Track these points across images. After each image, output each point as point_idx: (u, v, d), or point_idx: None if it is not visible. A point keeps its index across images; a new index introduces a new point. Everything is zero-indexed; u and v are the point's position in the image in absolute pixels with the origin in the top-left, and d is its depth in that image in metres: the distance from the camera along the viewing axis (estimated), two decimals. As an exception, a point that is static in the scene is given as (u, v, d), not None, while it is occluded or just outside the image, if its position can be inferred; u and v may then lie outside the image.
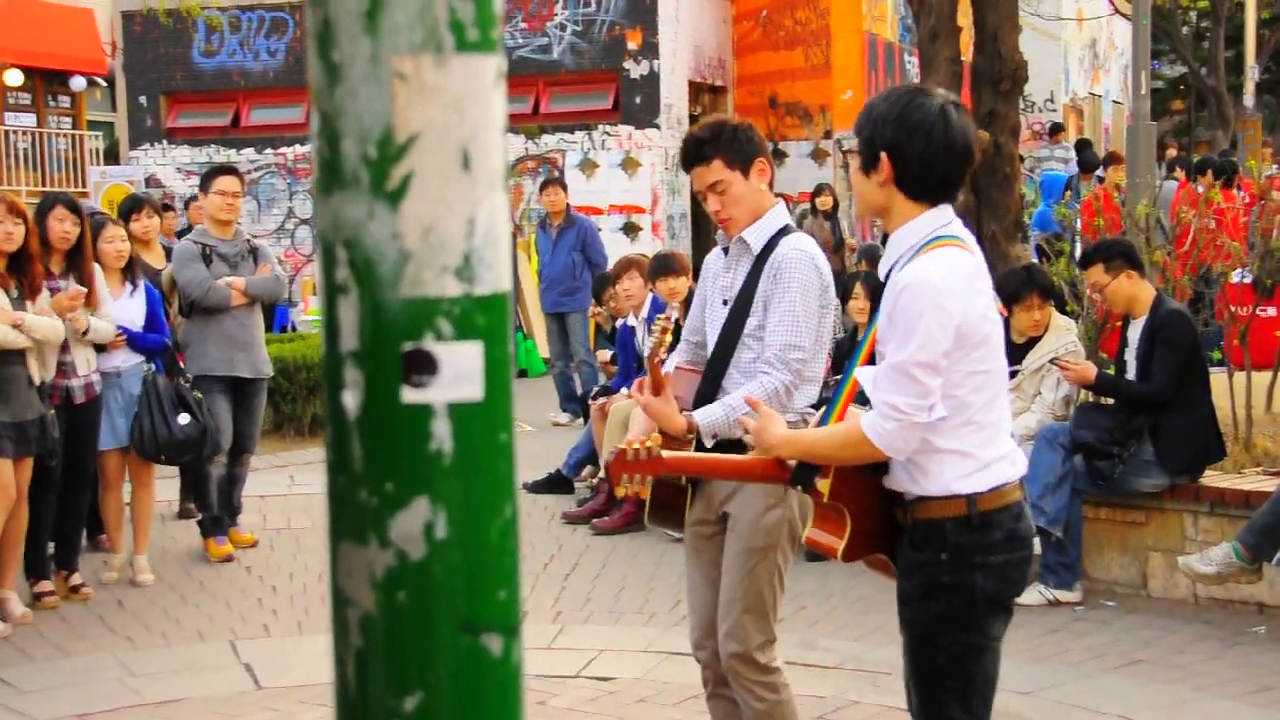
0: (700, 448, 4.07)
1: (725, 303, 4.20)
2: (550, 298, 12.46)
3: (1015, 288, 7.26)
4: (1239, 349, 7.92)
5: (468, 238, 1.17)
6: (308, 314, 16.13)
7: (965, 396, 3.16)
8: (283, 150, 19.35)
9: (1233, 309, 8.05)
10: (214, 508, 8.14)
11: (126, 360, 7.57)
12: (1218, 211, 8.29)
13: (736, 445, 4.07)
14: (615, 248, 15.42)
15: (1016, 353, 7.09)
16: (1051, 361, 7.12)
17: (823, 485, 3.36)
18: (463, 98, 1.16)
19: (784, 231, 4.17)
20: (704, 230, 19.46)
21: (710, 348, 4.23)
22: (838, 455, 3.26)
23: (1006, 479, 3.25)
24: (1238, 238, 8.12)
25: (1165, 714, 5.46)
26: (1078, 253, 8.22)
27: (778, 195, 4.39)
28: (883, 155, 3.20)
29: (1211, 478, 6.94)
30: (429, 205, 1.15)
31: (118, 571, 7.69)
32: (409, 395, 1.16)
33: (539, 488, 9.52)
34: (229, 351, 7.97)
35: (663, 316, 4.15)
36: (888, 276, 3.23)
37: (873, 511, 3.31)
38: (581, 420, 11.00)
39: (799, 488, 3.45)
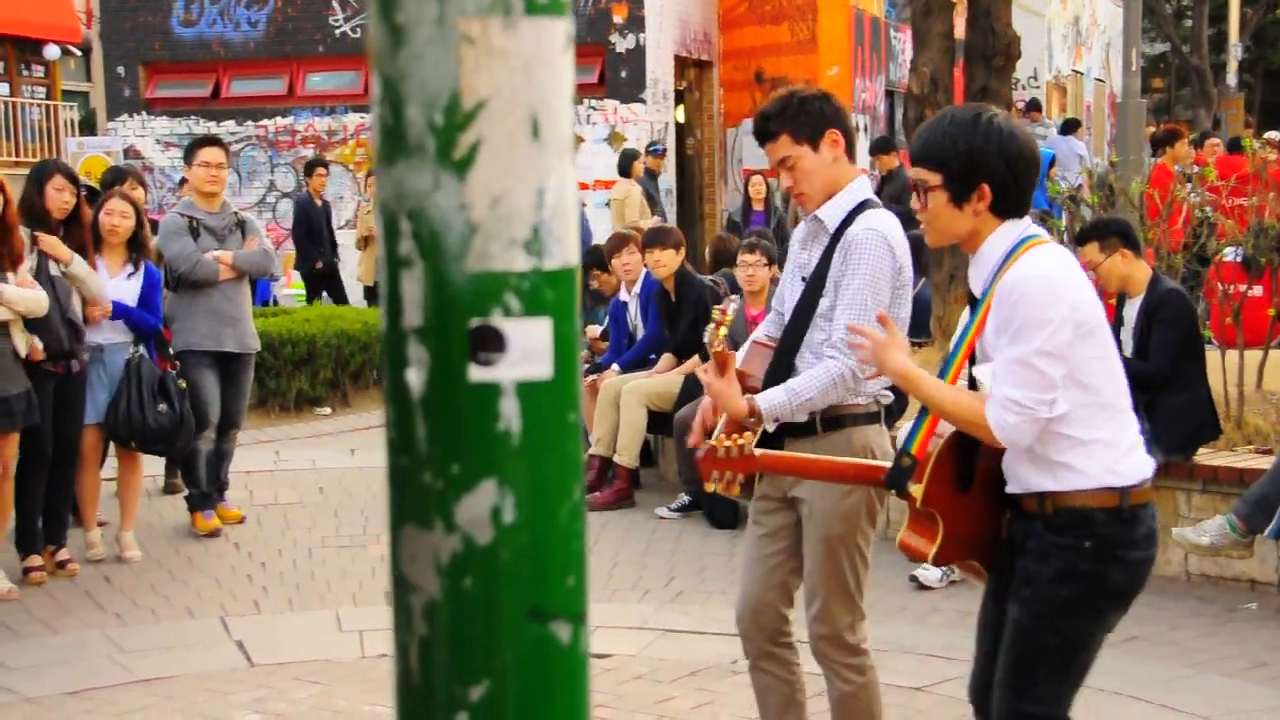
0: (764, 434, 4.03)
1: (804, 280, 4.13)
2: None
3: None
4: (1231, 328, 7.93)
5: (537, 209, 1.12)
6: (290, 288, 16.03)
7: (1095, 382, 3.18)
8: (264, 123, 19.21)
9: (1225, 287, 8.05)
10: (202, 483, 8.08)
11: (110, 338, 7.48)
12: (1211, 189, 8.29)
13: (804, 428, 4.05)
14: (601, 224, 15.37)
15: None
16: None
17: (916, 490, 3.34)
18: (532, 61, 1.11)
19: (863, 207, 4.05)
20: (689, 205, 19.41)
21: (787, 324, 4.16)
22: (950, 413, 3.25)
23: (1147, 472, 3.29)
24: (1231, 216, 8.11)
25: (1162, 690, 5.47)
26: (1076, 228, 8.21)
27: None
28: (984, 186, 3.22)
29: (1205, 456, 6.95)
30: (497, 175, 1.11)
31: (101, 548, 7.62)
32: (476, 373, 1.11)
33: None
34: (216, 326, 7.90)
35: (719, 309, 4.06)
36: (984, 292, 3.24)
37: (968, 518, 3.29)
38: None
39: (893, 491, 3.43)
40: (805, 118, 4.01)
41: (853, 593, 4.16)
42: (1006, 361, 3.15)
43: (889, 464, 3.45)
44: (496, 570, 1.13)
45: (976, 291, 3.29)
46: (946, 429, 3.35)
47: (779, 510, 4.23)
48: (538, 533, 1.14)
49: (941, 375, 3.34)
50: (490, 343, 1.11)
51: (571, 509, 1.16)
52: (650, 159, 15.96)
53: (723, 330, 3.97)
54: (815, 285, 4.06)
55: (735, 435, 3.59)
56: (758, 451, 3.56)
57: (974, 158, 3.21)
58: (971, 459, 3.34)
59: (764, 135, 4.06)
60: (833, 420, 4.06)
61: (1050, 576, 3.25)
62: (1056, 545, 3.24)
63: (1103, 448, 3.21)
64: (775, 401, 3.94)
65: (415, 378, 1.13)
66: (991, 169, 3.21)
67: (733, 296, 4.15)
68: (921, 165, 3.28)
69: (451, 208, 1.11)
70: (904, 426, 6.97)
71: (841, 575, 4.13)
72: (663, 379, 8.59)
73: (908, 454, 3.35)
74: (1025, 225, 3.27)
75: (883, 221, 4.03)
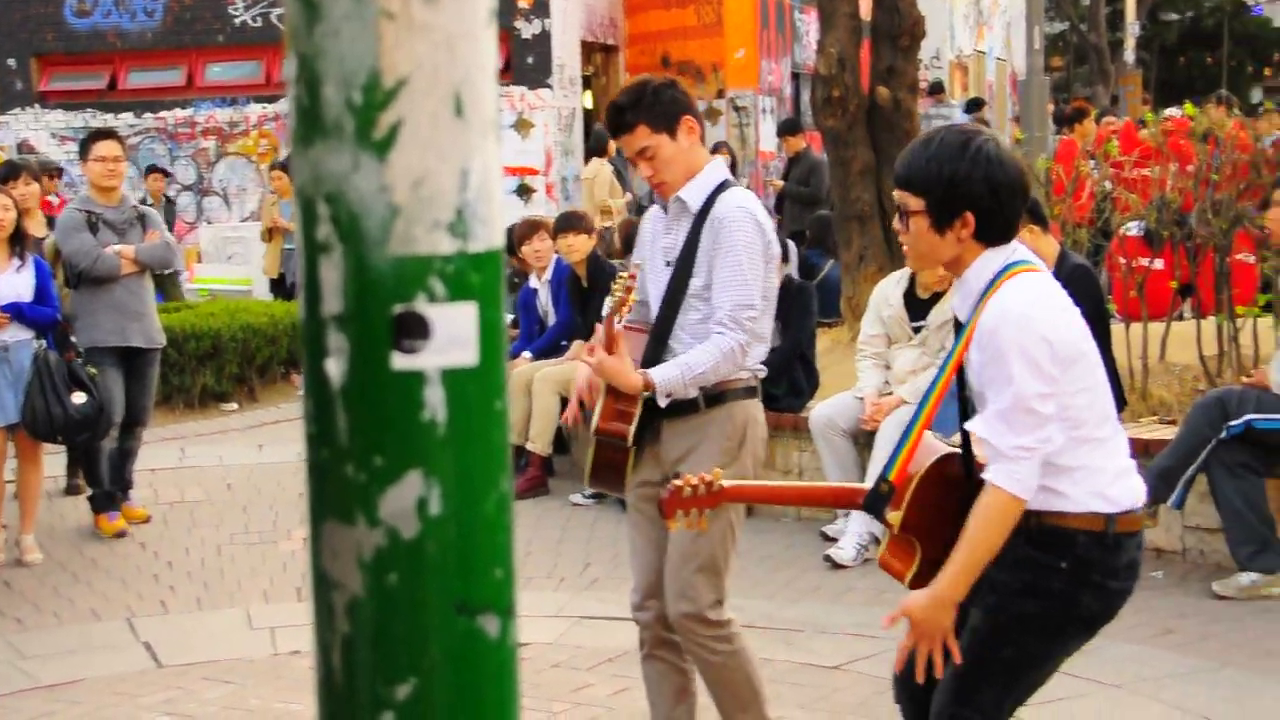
0: (651, 407, 4.06)
1: (668, 264, 4.18)
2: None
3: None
4: (1135, 301, 8.05)
5: (461, 190, 1.09)
6: (193, 282, 15.79)
7: (1078, 415, 3.14)
8: (162, 114, 18.87)
9: (1128, 261, 8.18)
10: (105, 483, 7.92)
11: (15, 335, 7.31)
12: (1114, 164, 8.41)
13: (687, 405, 4.09)
14: (508, 211, 15.29)
15: (921, 308, 7.13)
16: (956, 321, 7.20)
17: (893, 517, 3.32)
18: (454, 37, 1.08)
19: (722, 187, 4.14)
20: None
21: (655, 309, 4.20)
22: (993, 543, 3.14)
23: (1138, 500, 3.24)
24: (1133, 190, 8.22)
25: (1075, 661, 5.54)
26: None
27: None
28: (967, 214, 3.16)
29: (1113, 430, 7.05)
30: (419, 155, 1.07)
31: (0, 552, 7.44)
32: (399, 361, 1.08)
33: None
34: (121, 321, 7.74)
35: (626, 275, 4.08)
36: (969, 319, 3.21)
37: (946, 542, 3.25)
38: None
39: (872, 515, 3.42)
40: (661, 107, 4.07)
41: (721, 570, 4.17)
42: (1000, 412, 3.10)
43: (863, 486, 3.44)
44: (422, 564, 1.10)
45: (961, 317, 3.27)
46: (926, 459, 3.33)
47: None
48: (465, 524, 1.11)
49: (921, 405, 3.32)
50: (414, 329, 1.08)
51: (499, 500, 1.13)
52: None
53: (629, 303, 3.98)
54: (684, 267, 4.12)
55: (701, 473, 3.56)
56: (726, 483, 3.52)
57: (958, 185, 3.15)
58: (954, 490, 3.30)
59: (620, 127, 4.11)
60: (716, 396, 4.11)
61: (1017, 588, 3.21)
62: (1031, 558, 3.19)
63: (1088, 473, 3.17)
64: (669, 376, 3.99)
65: (335, 367, 1.09)
66: (976, 197, 3.15)
67: (636, 266, 4.15)
68: (904, 189, 3.23)
69: (372, 190, 1.07)
70: (878, 455, 7.04)
71: (711, 550, 4.14)
72: (573, 365, 8.56)
73: (886, 480, 3.32)
74: (1010, 251, 3.21)
75: (748, 199, 4.13)
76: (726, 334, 4.01)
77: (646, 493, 4.27)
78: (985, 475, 3.13)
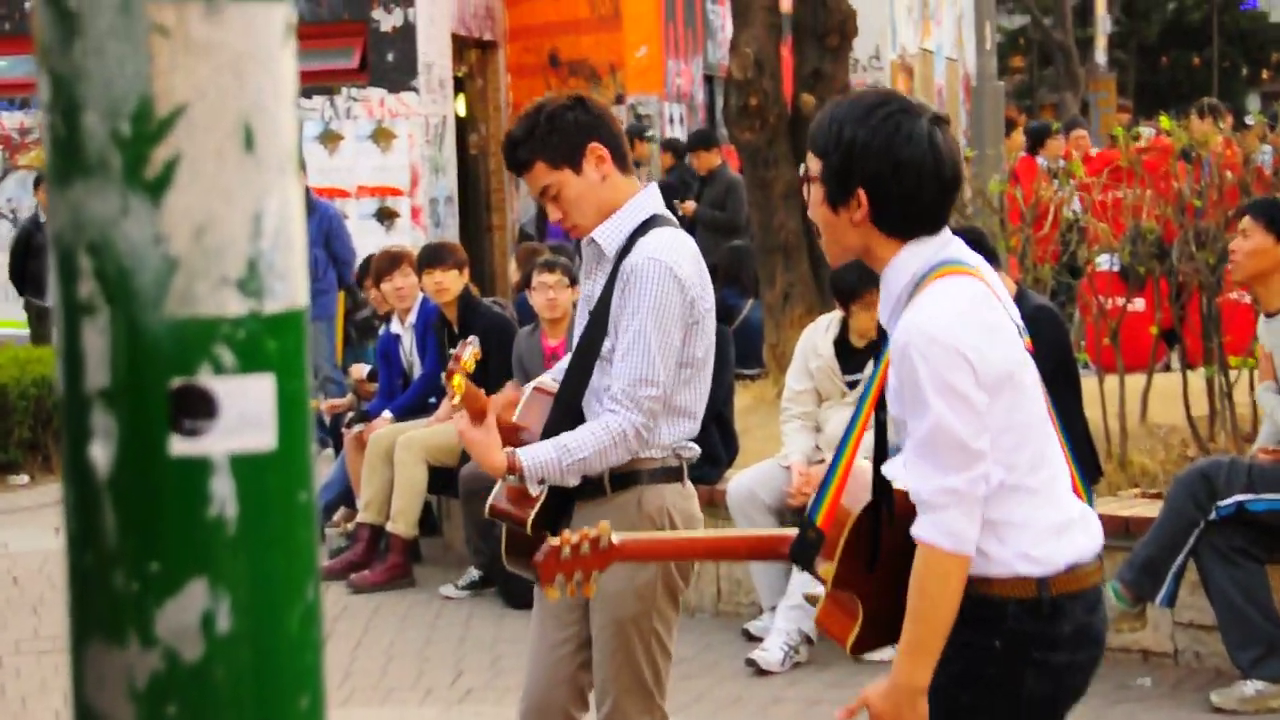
0: (549, 498, 4.07)
1: (589, 315, 4.20)
2: (286, 302, 12.27)
3: (851, 283, 7.36)
4: (1109, 349, 8.17)
5: (253, 239, 1.09)
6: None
7: (1006, 455, 3.12)
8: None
9: (1100, 302, 8.30)
10: None
11: None
12: (1082, 187, 8.56)
13: (584, 490, 4.08)
14: (366, 238, 15.24)
15: (856, 358, 7.20)
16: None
17: (825, 570, 3.31)
18: (243, 57, 1.08)
19: (646, 227, 4.11)
20: (474, 216, 19.39)
21: (566, 367, 4.23)
22: (941, 613, 3.12)
23: (1081, 555, 3.21)
24: (1104, 219, 8.37)
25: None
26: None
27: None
28: (859, 191, 3.16)
29: (1084, 501, 7.14)
30: (202, 197, 1.08)
31: None
32: (179, 446, 1.08)
33: (280, 537, 9.32)
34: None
35: (454, 354, 4.04)
36: (891, 329, 3.21)
37: (889, 597, 3.23)
38: (331, 452, 10.82)
39: (799, 567, 3.42)
40: (558, 136, 4.09)
41: (650, 688, 4.18)
42: (920, 447, 3.09)
43: (790, 532, 3.43)
44: (209, 693, 1.09)
45: (884, 323, 3.26)
46: (857, 495, 3.32)
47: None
48: (262, 645, 1.10)
49: (847, 434, 3.33)
50: (197, 407, 1.07)
51: (305, 613, 1.13)
52: (639, 145, 15.86)
53: (456, 379, 3.97)
54: (598, 322, 4.14)
55: (585, 529, 3.55)
56: (617, 538, 3.51)
57: (853, 156, 3.16)
58: (897, 532, 3.30)
59: (516, 165, 4.16)
60: (623, 477, 4.11)
61: (949, 679, 3.18)
62: (960, 643, 3.15)
63: (1015, 530, 3.16)
64: (541, 459, 3.98)
65: (102, 453, 1.08)
66: (871, 174, 3.15)
67: (470, 339, 4.15)
68: (810, 149, 3.26)
69: (144, 239, 1.07)
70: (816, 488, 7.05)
71: (635, 666, 4.14)
72: (445, 428, 8.53)
73: (812, 526, 3.32)
74: (940, 247, 3.20)
75: (667, 246, 4.10)
76: (619, 413, 4.00)
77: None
78: (913, 531, 3.12)
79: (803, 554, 3.36)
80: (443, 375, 4.04)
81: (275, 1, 1.12)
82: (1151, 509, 6.76)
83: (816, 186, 3.22)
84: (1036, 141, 14.91)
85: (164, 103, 1.09)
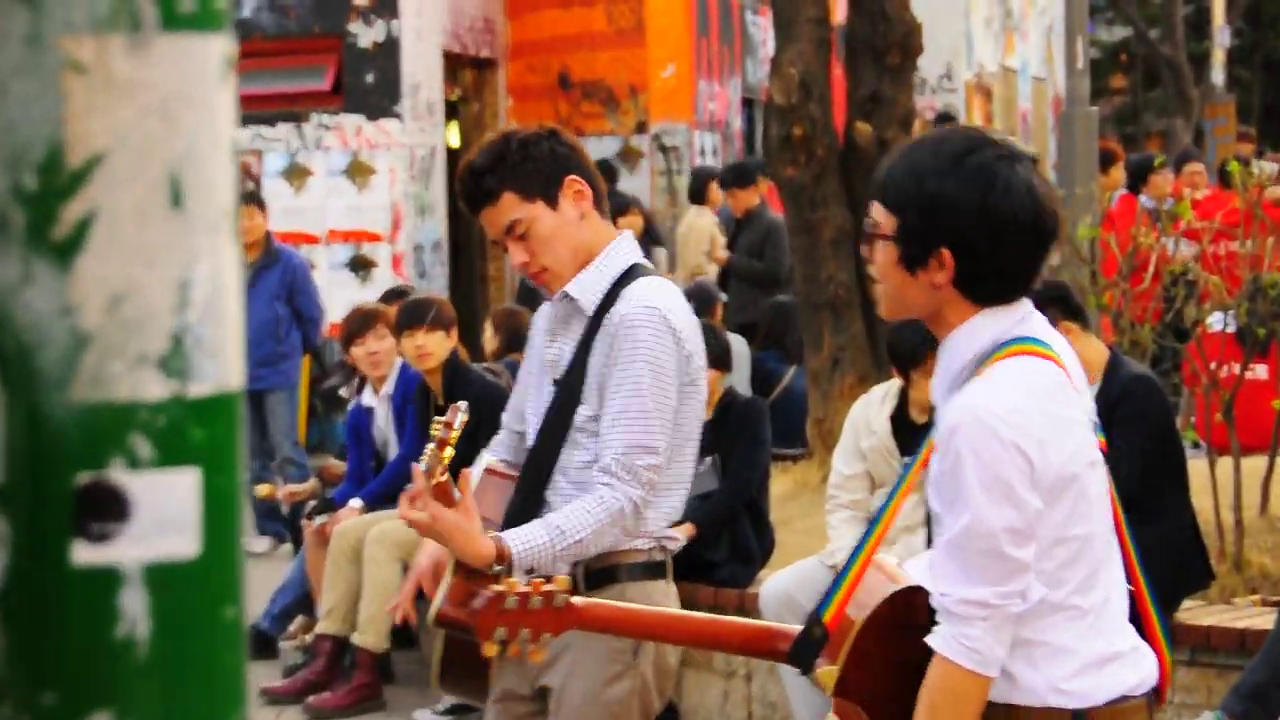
0: None
1: (555, 383, 4.24)
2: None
3: (912, 345, 7.38)
4: (1222, 426, 8.15)
5: (179, 310, 1.11)
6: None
7: (1057, 569, 3.16)
8: None
9: (1212, 369, 8.27)
10: None
11: None
12: (1189, 234, 8.56)
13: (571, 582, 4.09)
14: (340, 292, 15.33)
15: (917, 436, 7.20)
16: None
17: (826, 674, 3.34)
18: (173, 98, 1.11)
19: (628, 276, 4.20)
20: (467, 265, 19.43)
21: (530, 444, 4.25)
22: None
23: (1128, 689, 3.25)
24: (1216, 271, 8.38)
25: None
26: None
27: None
28: (944, 253, 3.18)
29: (1192, 612, 7.11)
30: (120, 262, 1.09)
31: None
32: (84, 554, 1.09)
33: (231, 647, 9.32)
34: None
35: (442, 422, 4.08)
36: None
37: (903, 706, 3.25)
38: (290, 548, 10.83)
39: (798, 669, 3.45)
40: (532, 165, 4.18)
41: None
42: (952, 548, 3.12)
43: (791, 629, 3.47)
44: None
45: (936, 400, 3.31)
46: (874, 595, 3.36)
47: (529, 715, 4.28)
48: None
49: (873, 523, 3.37)
50: (106, 508, 1.08)
51: (234, 751, 1.14)
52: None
53: (448, 452, 3.98)
54: (569, 389, 4.19)
55: (538, 580, 3.58)
56: (578, 600, 3.53)
57: (939, 209, 3.17)
58: (913, 641, 3.31)
59: (479, 197, 4.22)
60: (601, 574, 4.14)
61: None
62: None
63: (1051, 655, 3.19)
64: (532, 543, 3.98)
65: (-6, 562, 1.10)
66: (960, 230, 3.17)
67: (460, 405, 4.18)
68: (879, 200, 3.28)
69: (50, 311, 1.09)
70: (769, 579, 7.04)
71: None
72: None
73: (819, 623, 3.37)
74: (1016, 321, 3.23)
75: (660, 294, 4.19)
76: (615, 486, 4.04)
77: (510, 709, 4.28)
78: (929, 640, 3.16)
79: (803, 654, 3.40)
80: (428, 448, 4.03)
81: (212, 33, 1.14)
82: (1272, 620, 6.75)
83: (888, 246, 3.24)
84: (1138, 177, 14.92)
85: (77, 151, 1.11)
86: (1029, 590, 3.11)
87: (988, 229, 3.17)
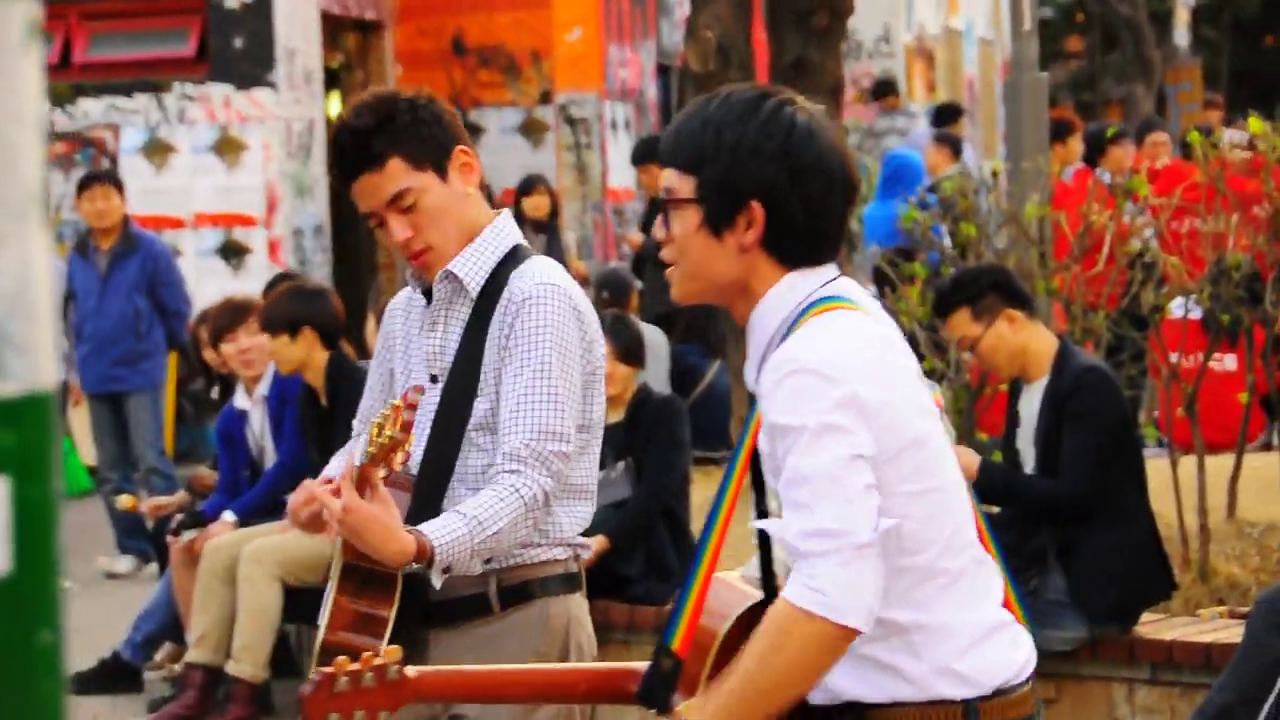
0: (411, 605, 4.07)
1: (434, 379, 4.23)
2: (97, 369, 12.20)
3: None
4: (1184, 422, 8.20)
5: (-19, 303, 1.12)
6: None
7: (916, 530, 3.19)
8: None
9: (1173, 360, 8.30)
10: None
11: None
12: (1149, 210, 8.60)
13: (471, 604, 4.14)
14: (210, 281, 15.27)
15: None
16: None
17: (688, 710, 3.33)
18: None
19: (514, 257, 4.20)
20: (353, 251, 19.34)
21: (417, 452, 4.21)
22: (771, 683, 3.17)
23: (1017, 673, 3.29)
24: (1177, 252, 8.40)
25: None
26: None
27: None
28: (753, 205, 3.24)
29: (1153, 625, 7.16)
30: (-86, 251, 1.10)
31: None
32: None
33: (88, 682, 9.27)
34: None
35: (393, 404, 4.01)
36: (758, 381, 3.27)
37: None
38: (156, 568, 10.78)
39: (652, 709, 3.43)
40: (425, 129, 4.19)
41: None
42: (790, 486, 3.15)
43: (639, 665, 3.47)
44: None
45: (750, 382, 3.35)
46: (724, 609, 3.37)
47: None
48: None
49: (707, 530, 3.39)
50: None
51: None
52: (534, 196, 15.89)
53: (387, 430, 3.91)
54: (461, 383, 4.19)
55: (368, 653, 3.56)
56: (412, 671, 3.52)
57: (741, 161, 3.25)
58: None
59: (360, 161, 4.19)
60: (516, 590, 4.16)
61: None
62: None
63: (930, 636, 3.23)
64: (454, 535, 3.94)
65: None
66: (768, 181, 3.24)
67: (418, 385, 4.18)
68: (670, 165, 3.35)
69: None
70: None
71: None
72: (306, 536, 8.51)
73: (667, 652, 3.36)
74: (823, 279, 3.30)
75: (559, 273, 4.24)
76: (524, 474, 4.03)
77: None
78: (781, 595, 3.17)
79: (656, 690, 3.39)
80: (373, 426, 3.96)
81: (13, -3, 1.15)
82: (1239, 634, 6.80)
83: (688, 212, 3.30)
84: (1096, 149, 14.99)
85: None
86: (878, 519, 3.10)
87: (793, 175, 3.25)
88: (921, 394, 3.30)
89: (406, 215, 4.17)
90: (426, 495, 4.20)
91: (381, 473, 3.99)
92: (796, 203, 3.25)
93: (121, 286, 12.15)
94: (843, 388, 3.12)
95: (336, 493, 3.97)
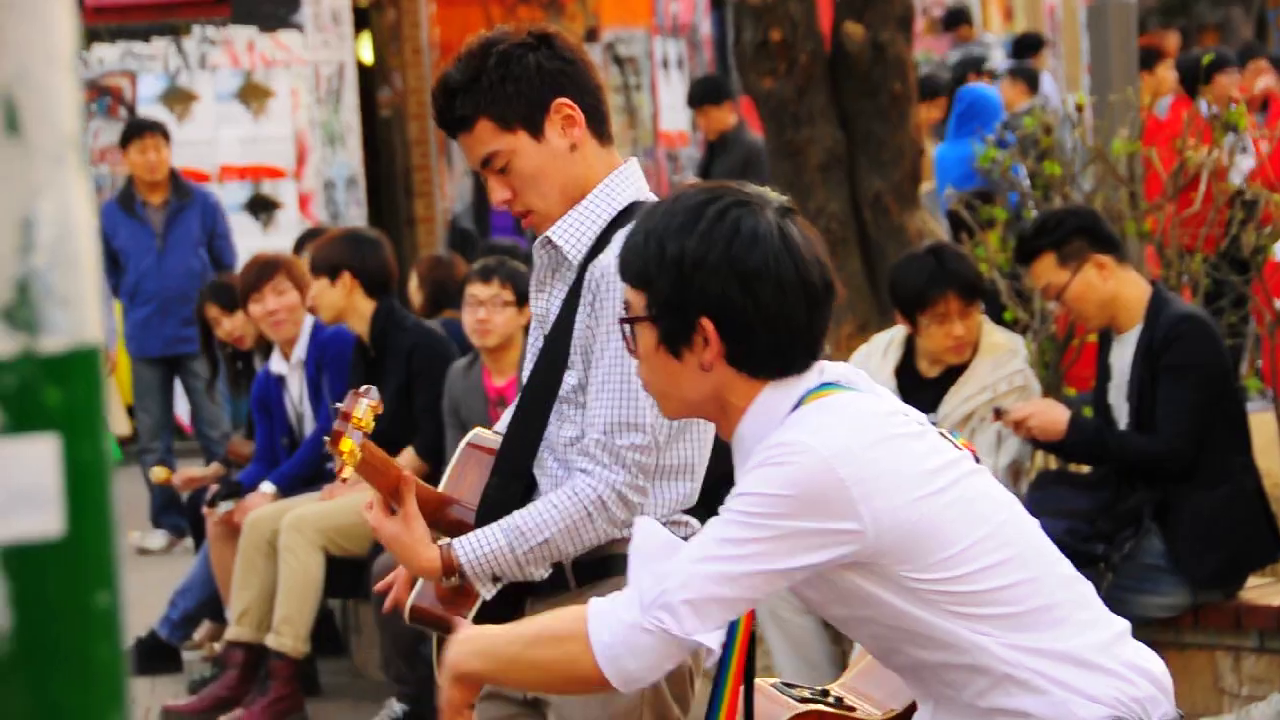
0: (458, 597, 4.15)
1: (546, 339, 4.27)
2: (161, 332, 12.18)
3: (919, 285, 7.39)
4: (1290, 372, 8.17)
5: (22, 253, 1.12)
6: None
7: (996, 592, 3.28)
8: None
9: (1278, 306, 8.26)
10: None
11: None
12: (1252, 144, 8.54)
13: (543, 585, 4.16)
14: (237, 241, 15.27)
15: (927, 392, 7.22)
16: (994, 412, 7.25)
17: None
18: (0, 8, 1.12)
19: (623, 219, 4.13)
20: (388, 204, 19.34)
21: (508, 416, 4.28)
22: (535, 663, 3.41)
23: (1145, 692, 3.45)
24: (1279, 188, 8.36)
25: None
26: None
27: None
28: (703, 322, 3.28)
29: (1260, 590, 7.15)
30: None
31: None
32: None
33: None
34: None
35: (340, 408, 4.07)
36: None
37: None
38: (190, 542, 10.80)
39: None
40: (513, 86, 4.14)
41: None
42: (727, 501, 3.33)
43: None
44: None
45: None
46: (777, 699, 3.45)
47: (519, 717, 4.32)
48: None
49: (730, 640, 3.45)
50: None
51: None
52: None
53: (347, 444, 3.99)
54: (555, 351, 4.19)
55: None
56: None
57: (686, 275, 3.29)
58: None
59: (451, 123, 4.22)
60: (593, 565, 4.17)
61: None
62: None
63: (1062, 666, 3.34)
64: (487, 550, 4.03)
65: None
66: (716, 296, 3.28)
67: (364, 389, 4.19)
68: (624, 279, 3.45)
69: None
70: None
71: None
72: (350, 502, 8.49)
73: None
74: (804, 389, 3.35)
75: None
76: (593, 473, 4.05)
77: (498, 710, 4.30)
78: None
79: None
80: (325, 440, 4.06)
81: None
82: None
83: (644, 330, 3.37)
84: (1193, 77, 14.82)
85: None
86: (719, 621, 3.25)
87: (741, 284, 3.28)
88: (935, 451, 3.35)
89: (502, 177, 4.18)
90: (512, 463, 4.22)
91: (348, 471, 4.09)
92: (752, 314, 3.29)
93: (183, 242, 12.16)
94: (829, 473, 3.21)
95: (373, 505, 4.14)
